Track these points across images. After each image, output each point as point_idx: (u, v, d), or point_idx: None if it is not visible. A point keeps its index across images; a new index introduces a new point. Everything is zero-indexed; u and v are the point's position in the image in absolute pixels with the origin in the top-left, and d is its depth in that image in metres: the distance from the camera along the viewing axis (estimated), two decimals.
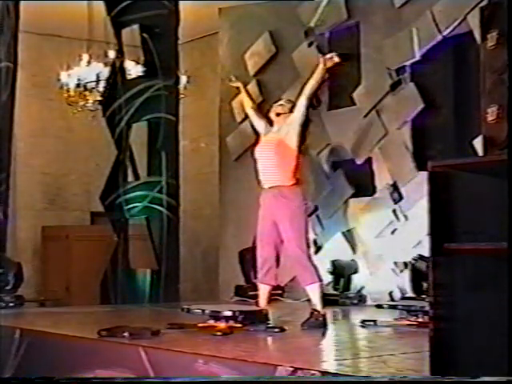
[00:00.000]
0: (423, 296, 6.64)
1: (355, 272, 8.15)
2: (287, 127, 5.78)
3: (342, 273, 8.15)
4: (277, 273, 5.80)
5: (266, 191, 5.79)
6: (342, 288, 8.08)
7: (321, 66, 5.84)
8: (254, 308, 5.81)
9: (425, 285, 7.31)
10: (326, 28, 8.58)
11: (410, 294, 7.49)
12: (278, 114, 5.87)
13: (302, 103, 5.80)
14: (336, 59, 5.84)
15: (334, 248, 8.33)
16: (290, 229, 5.62)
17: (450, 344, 2.97)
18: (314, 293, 5.63)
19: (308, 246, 5.75)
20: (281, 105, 5.93)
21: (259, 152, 5.92)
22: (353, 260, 8.24)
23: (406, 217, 7.80)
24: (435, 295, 3.01)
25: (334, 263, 8.14)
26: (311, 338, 5.23)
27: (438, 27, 7.64)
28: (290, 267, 5.86)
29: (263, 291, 5.78)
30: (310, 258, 5.70)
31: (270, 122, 5.99)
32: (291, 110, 5.84)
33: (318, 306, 5.59)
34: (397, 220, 7.87)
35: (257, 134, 6.28)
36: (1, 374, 5.06)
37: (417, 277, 7.38)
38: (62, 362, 4.78)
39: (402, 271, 7.76)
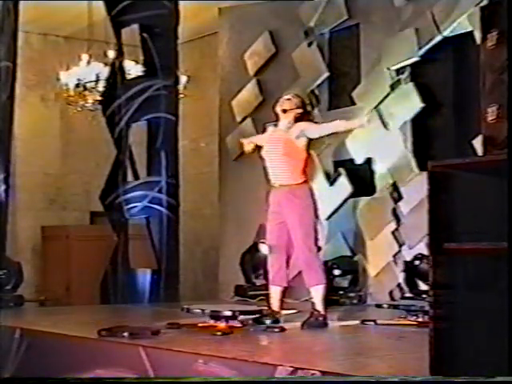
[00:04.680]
0: (423, 296, 6.64)
1: (355, 271, 8.15)
2: (297, 132, 5.67)
3: (342, 272, 8.14)
4: (288, 273, 5.75)
5: (275, 189, 5.70)
6: (341, 287, 8.08)
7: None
8: (254, 308, 5.81)
9: (422, 284, 7.34)
10: (326, 28, 8.59)
11: (409, 293, 7.50)
12: (284, 111, 5.72)
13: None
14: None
15: (334, 248, 8.32)
16: (299, 227, 5.56)
17: (450, 344, 2.97)
18: (317, 294, 5.58)
19: (316, 246, 5.70)
20: (288, 99, 5.75)
21: (266, 150, 5.79)
22: (353, 259, 8.23)
23: (405, 217, 7.79)
24: (435, 295, 3.00)
25: (333, 262, 8.13)
26: (311, 338, 5.23)
27: (438, 27, 7.64)
28: (296, 266, 5.81)
29: (274, 293, 5.72)
30: (317, 257, 5.67)
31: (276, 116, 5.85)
32: (298, 106, 5.75)
33: (319, 306, 5.57)
34: (397, 220, 7.87)
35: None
36: (1, 374, 5.06)
37: (416, 276, 7.39)
38: (62, 362, 4.78)
39: (402, 271, 7.76)
